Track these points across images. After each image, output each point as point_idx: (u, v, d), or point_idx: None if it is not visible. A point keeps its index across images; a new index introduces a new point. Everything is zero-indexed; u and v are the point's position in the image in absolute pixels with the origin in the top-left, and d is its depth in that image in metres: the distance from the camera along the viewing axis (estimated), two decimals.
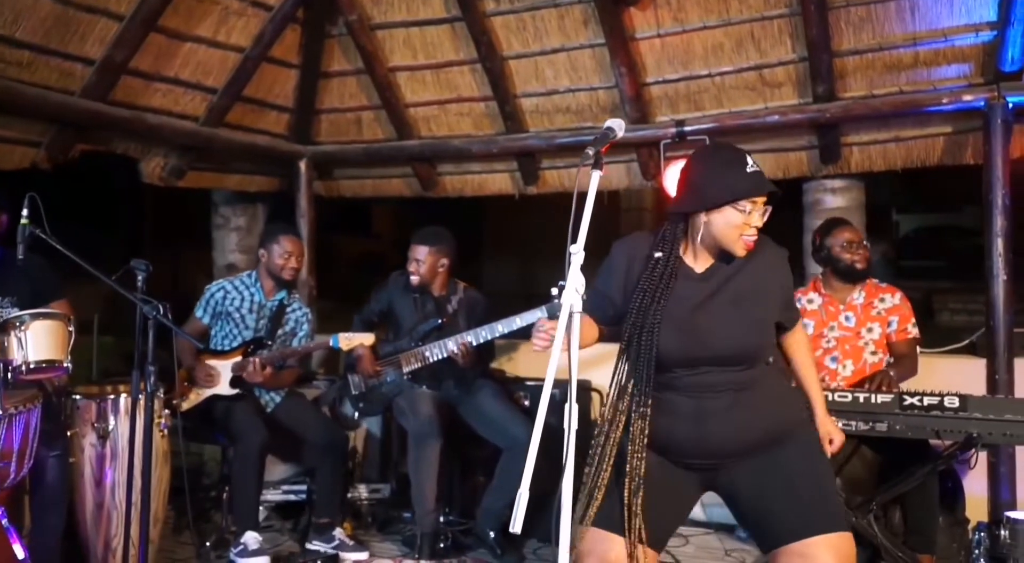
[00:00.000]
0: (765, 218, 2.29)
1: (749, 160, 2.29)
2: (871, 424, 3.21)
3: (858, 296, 3.88)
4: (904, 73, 4.41)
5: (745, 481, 2.36)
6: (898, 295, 3.87)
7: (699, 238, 2.34)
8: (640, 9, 4.53)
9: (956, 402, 3.14)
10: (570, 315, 2.08)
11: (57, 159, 4.48)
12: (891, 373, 3.66)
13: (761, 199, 2.28)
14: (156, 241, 15.50)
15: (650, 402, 2.30)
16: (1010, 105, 4.10)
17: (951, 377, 4.06)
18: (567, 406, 2.10)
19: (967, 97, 4.18)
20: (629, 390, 2.33)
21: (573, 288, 2.08)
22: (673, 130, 4.74)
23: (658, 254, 2.35)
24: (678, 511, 2.47)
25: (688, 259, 2.38)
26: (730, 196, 2.25)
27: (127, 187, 5.24)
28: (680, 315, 2.30)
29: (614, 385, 2.37)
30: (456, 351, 3.96)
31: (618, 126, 2.30)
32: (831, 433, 2.58)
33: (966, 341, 4.40)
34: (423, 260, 4.12)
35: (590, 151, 2.16)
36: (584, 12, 4.66)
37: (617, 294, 2.42)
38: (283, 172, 5.79)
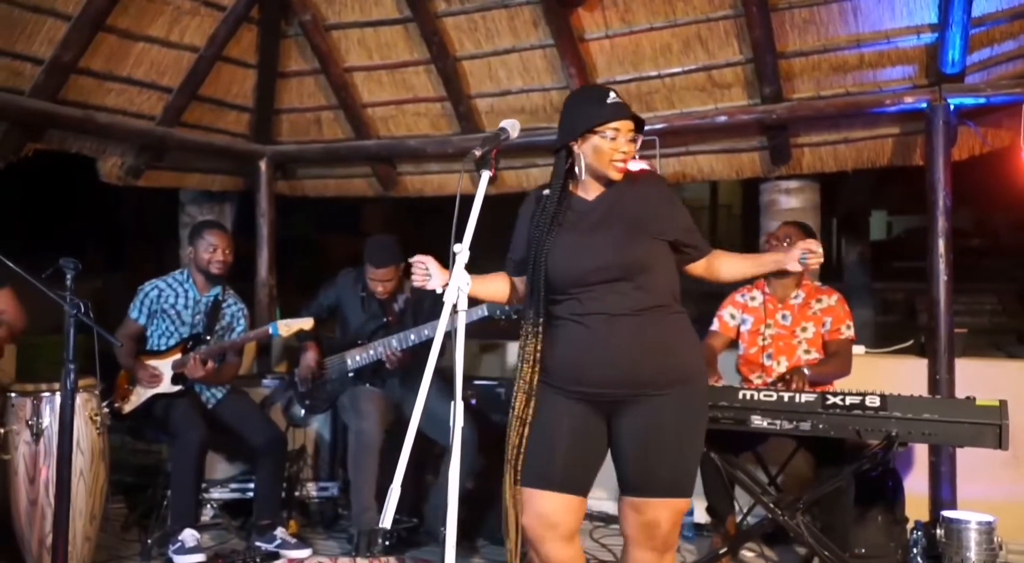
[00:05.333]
0: (635, 144, 2.45)
1: (612, 94, 2.46)
2: (795, 423, 3.22)
3: (797, 296, 3.93)
4: (850, 75, 4.42)
5: (623, 423, 2.46)
6: (835, 297, 3.94)
7: (581, 169, 2.48)
8: (587, 10, 4.54)
9: (877, 401, 3.15)
10: (454, 310, 2.12)
11: (9, 158, 4.49)
12: (805, 371, 3.70)
13: (626, 126, 2.43)
14: (141, 240, 15.51)
15: (542, 324, 2.44)
16: (951, 107, 4.12)
17: (897, 377, 4.08)
18: (452, 405, 2.14)
19: (908, 99, 4.20)
20: (528, 318, 2.49)
21: (456, 286, 2.11)
22: None
23: (546, 192, 2.54)
24: (593, 449, 2.51)
25: (579, 191, 2.54)
26: (591, 124, 2.42)
27: (113, 186, 5.28)
28: (570, 239, 2.46)
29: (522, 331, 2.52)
30: (392, 354, 3.98)
31: (511, 127, 2.34)
32: (795, 252, 2.49)
33: (910, 341, 4.42)
34: (392, 279, 4.09)
35: (477, 152, 2.20)
36: (534, 13, 4.66)
37: (524, 247, 2.57)
38: (244, 171, 5.80)
